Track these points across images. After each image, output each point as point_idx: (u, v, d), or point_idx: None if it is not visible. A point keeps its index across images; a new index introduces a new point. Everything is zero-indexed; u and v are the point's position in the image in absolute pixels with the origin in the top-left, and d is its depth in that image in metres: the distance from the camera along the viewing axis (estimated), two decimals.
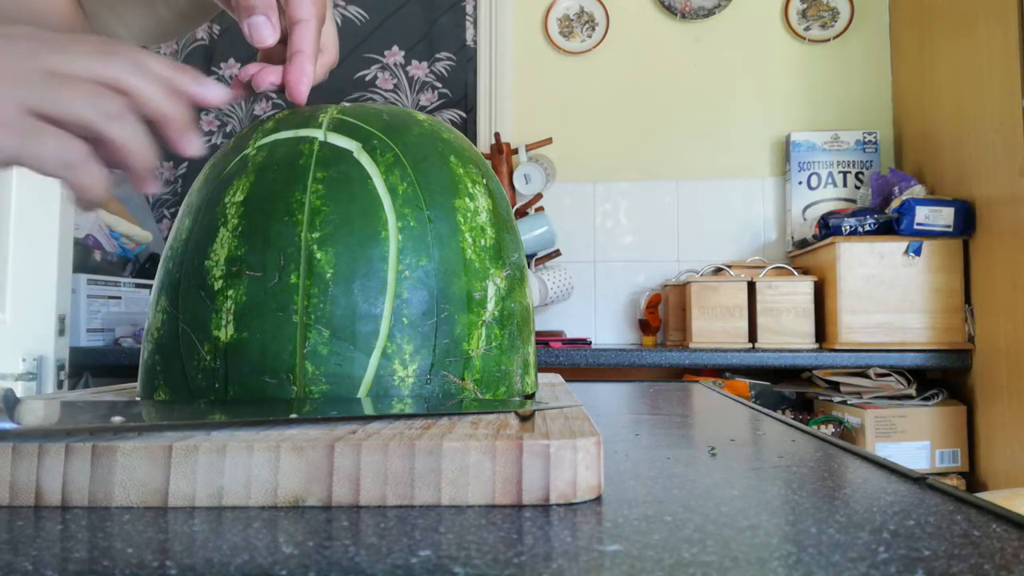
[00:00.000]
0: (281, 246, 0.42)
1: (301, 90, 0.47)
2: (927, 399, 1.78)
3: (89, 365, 1.83)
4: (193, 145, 0.42)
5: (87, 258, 1.94)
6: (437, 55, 2.41)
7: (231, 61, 2.47)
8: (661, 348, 1.93)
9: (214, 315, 0.42)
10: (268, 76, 0.47)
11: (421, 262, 0.44)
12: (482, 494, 0.32)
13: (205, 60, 2.49)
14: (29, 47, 0.37)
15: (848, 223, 1.84)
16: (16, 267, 1.65)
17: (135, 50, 0.39)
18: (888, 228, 1.82)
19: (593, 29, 2.34)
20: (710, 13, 2.30)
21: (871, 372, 1.80)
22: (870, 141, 2.17)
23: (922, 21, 2.04)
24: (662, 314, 2.20)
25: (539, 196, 2.20)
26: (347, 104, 0.49)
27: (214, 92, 0.43)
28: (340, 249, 0.42)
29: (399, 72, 2.41)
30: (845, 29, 2.26)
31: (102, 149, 0.39)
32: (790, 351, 1.80)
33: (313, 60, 0.47)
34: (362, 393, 0.42)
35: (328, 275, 0.42)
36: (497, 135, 2.23)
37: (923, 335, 1.78)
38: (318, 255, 0.42)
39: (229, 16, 0.52)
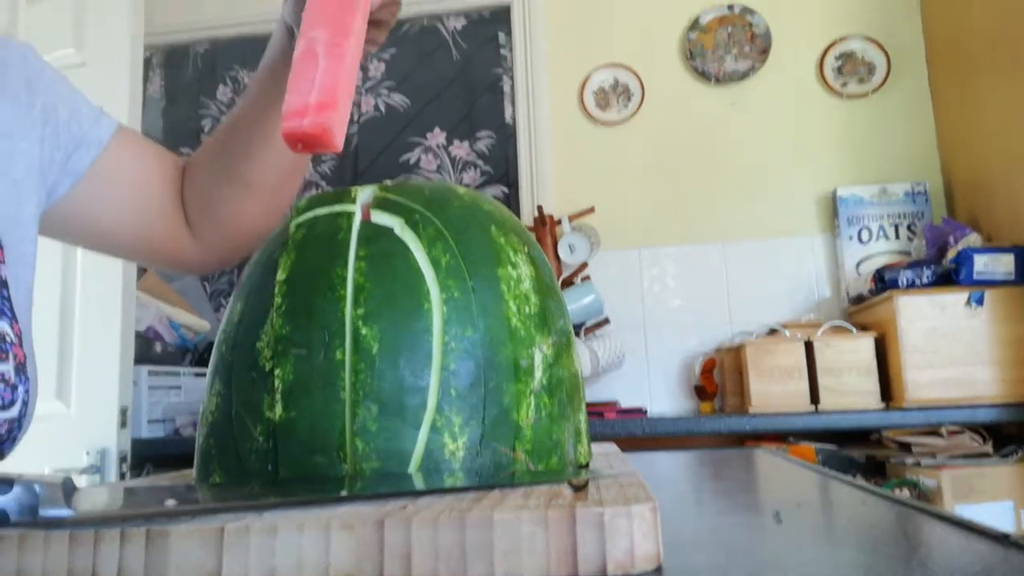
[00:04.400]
0: (325, 323, 0.43)
1: None
2: (1005, 456, 1.69)
3: (150, 456, 1.86)
4: None
5: (148, 350, 2.00)
6: (478, 134, 2.47)
7: (234, 67, 2.66)
8: (719, 414, 1.88)
9: (265, 395, 0.43)
10: None
11: (467, 332, 0.44)
12: (537, 567, 0.31)
13: (209, 67, 2.67)
14: None
15: (905, 276, 1.79)
16: (80, 362, 1.70)
17: None
18: (947, 279, 1.77)
19: (629, 99, 2.38)
20: (744, 76, 2.33)
21: (943, 430, 1.72)
22: (919, 192, 2.14)
23: (961, 67, 2.03)
24: (718, 379, 2.15)
25: (584, 265, 2.21)
26: (389, 182, 0.50)
27: None
28: (384, 324, 0.42)
29: (442, 153, 2.48)
30: (883, 83, 2.25)
31: None
32: (855, 411, 1.73)
33: None
34: (413, 468, 0.41)
35: (374, 350, 0.42)
36: (540, 208, 2.25)
37: (994, 388, 1.70)
38: (363, 331, 0.42)
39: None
